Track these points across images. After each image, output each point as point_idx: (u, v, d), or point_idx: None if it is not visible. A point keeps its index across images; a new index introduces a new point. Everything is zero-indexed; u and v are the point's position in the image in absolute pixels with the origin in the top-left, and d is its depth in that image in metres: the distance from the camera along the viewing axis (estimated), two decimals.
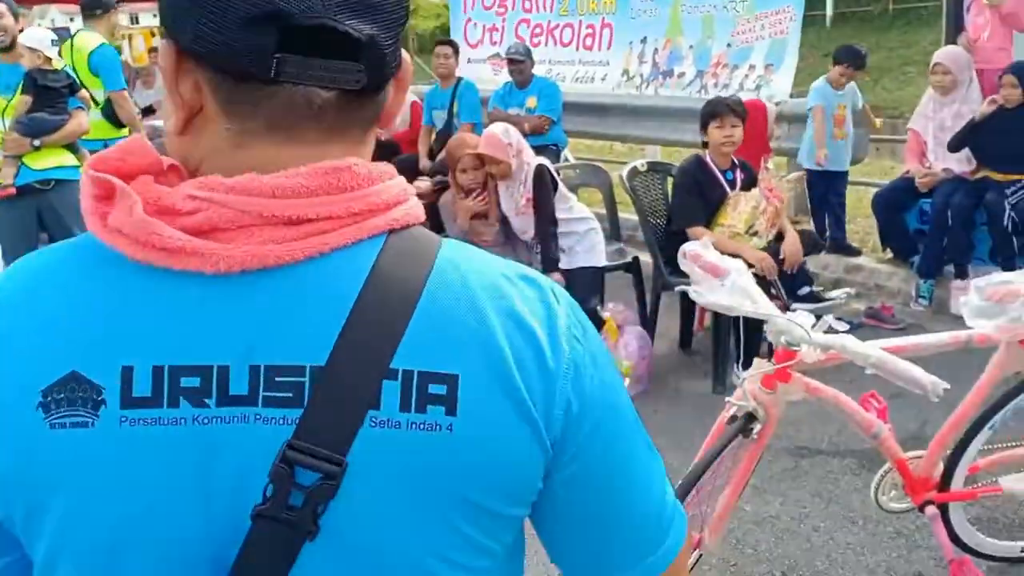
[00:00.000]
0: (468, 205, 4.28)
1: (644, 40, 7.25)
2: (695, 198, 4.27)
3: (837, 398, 2.34)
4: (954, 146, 5.02)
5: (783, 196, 4.32)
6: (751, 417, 2.25)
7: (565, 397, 0.72)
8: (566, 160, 6.51)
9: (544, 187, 4.08)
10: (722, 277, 2.35)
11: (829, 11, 17.57)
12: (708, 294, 2.34)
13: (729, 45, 6.48)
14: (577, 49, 7.83)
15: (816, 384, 2.31)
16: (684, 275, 4.26)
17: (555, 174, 4.20)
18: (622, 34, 7.46)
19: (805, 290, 4.43)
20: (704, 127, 4.29)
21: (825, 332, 2.22)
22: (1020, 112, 4.79)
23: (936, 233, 4.99)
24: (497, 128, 4.22)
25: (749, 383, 2.28)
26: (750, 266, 2.60)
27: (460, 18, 8.83)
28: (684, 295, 4.56)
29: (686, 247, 2.42)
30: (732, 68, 6.38)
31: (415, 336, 0.68)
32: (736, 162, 4.36)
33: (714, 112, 4.26)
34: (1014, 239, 4.74)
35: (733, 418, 2.28)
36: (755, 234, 4.20)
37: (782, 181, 4.30)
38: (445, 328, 0.69)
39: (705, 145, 4.35)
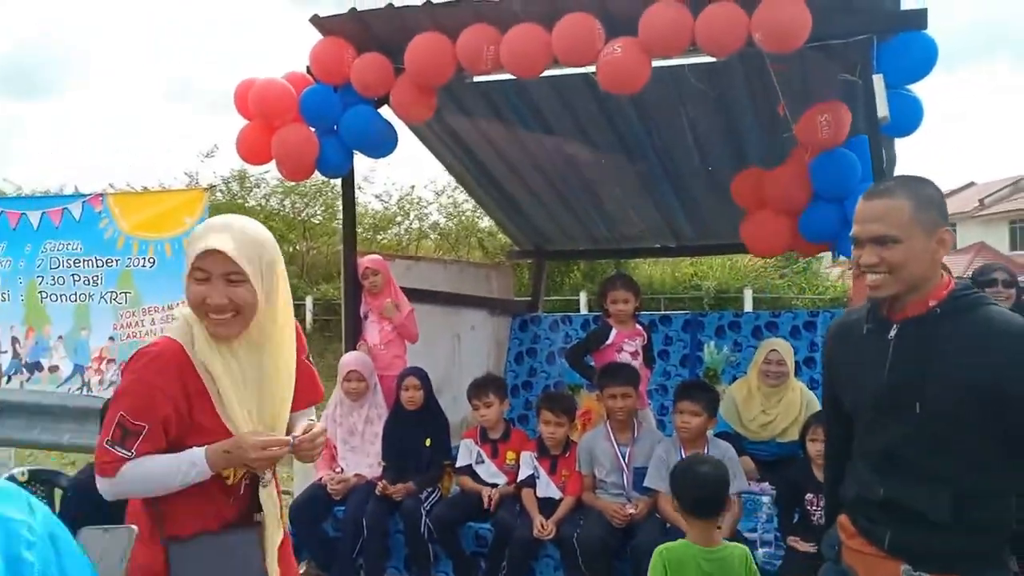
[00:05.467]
0: None
1: None
2: (98, 513, 3.37)
3: None
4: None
5: None
6: None
7: None
8: None
9: None
10: None
11: None
12: None
13: (112, 339, 5.72)
14: None
15: None
16: None
17: None
18: None
19: None
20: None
21: None
22: (421, 414, 4.94)
23: (349, 543, 4.69)
24: None
25: None
26: None
27: None
28: None
29: None
30: (120, 364, 5.59)
31: None
32: None
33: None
34: (430, 547, 4.64)
35: None
36: None
37: None
38: None
39: None
